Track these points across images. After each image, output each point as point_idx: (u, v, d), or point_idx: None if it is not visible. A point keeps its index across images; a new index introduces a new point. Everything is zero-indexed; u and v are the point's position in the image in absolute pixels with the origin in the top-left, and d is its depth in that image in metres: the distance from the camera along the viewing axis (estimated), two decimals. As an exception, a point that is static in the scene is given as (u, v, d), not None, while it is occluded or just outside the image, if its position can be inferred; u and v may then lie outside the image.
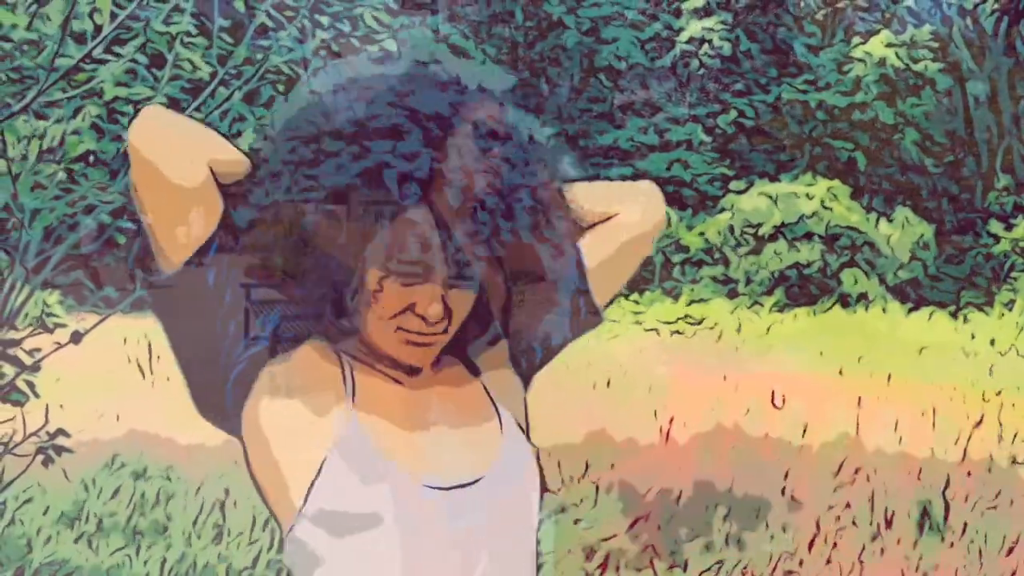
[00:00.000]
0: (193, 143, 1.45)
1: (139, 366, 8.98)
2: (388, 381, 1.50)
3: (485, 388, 1.57)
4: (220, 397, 1.48)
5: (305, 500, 1.42)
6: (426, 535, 1.42)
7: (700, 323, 14.28)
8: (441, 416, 1.51)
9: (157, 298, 1.48)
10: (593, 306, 1.61)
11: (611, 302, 1.68)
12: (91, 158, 3.63)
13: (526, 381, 1.63)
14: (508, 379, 1.60)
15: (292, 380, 1.46)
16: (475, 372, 1.58)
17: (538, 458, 1.57)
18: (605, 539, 5.73)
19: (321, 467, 1.42)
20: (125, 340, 8.74)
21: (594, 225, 1.62)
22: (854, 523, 6.08)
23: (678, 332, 13.84)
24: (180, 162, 1.42)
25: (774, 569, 5.58)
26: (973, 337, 13.61)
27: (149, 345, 9.50)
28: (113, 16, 3.26)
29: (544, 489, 1.55)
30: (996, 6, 18.58)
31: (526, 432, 1.59)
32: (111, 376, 8.18)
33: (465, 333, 1.52)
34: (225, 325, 1.46)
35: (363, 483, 1.42)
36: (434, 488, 1.44)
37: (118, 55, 3.45)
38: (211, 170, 1.43)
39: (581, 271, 1.58)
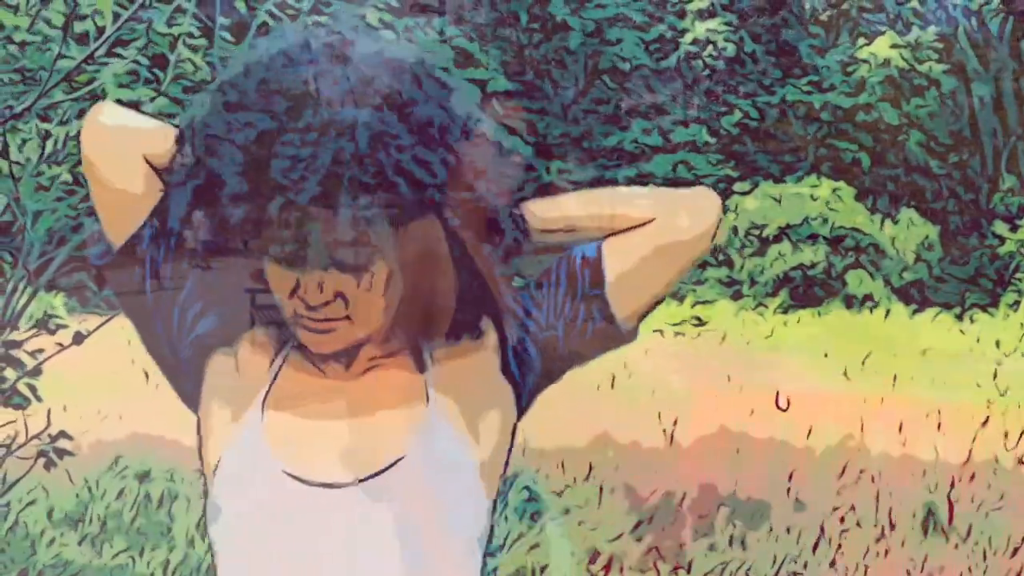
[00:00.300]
0: (128, 138, 1.48)
1: (143, 368, 8.97)
2: (315, 374, 1.47)
3: (428, 387, 1.48)
4: (182, 387, 1.55)
5: (205, 499, 1.45)
6: (303, 533, 1.39)
7: (704, 325, 14.27)
8: (347, 412, 1.46)
9: (121, 299, 1.54)
10: (608, 313, 1.53)
11: (645, 316, 1.60)
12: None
13: (528, 392, 1.53)
14: (478, 384, 1.50)
15: (222, 378, 1.50)
16: (423, 368, 1.49)
17: (499, 470, 1.48)
18: (609, 541, 5.72)
19: (216, 466, 1.45)
20: (129, 342, 8.73)
21: (625, 231, 1.53)
22: (858, 525, 6.07)
23: (682, 334, 13.83)
24: (114, 159, 1.48)
25: (778, 571, 5.57)
26: (978, 339, 13.58)
27: (153, 347, 9.50)
28: (115, 17, 3.26)
29: (493, 501, 1.47)
30: (1002, 7, 18.55)
31: (511, 446, 1.51)
32: (114, 378, 8.18)
33: (425, 326, 1.47)
34: (167, 310, 1.53)
35: (243, 483, 1.42)
36: (315, 486, 1.40)
37: (120, 56, 3.45)
38: (148, 161, 1.47)
39: (582, 268, 1.52)
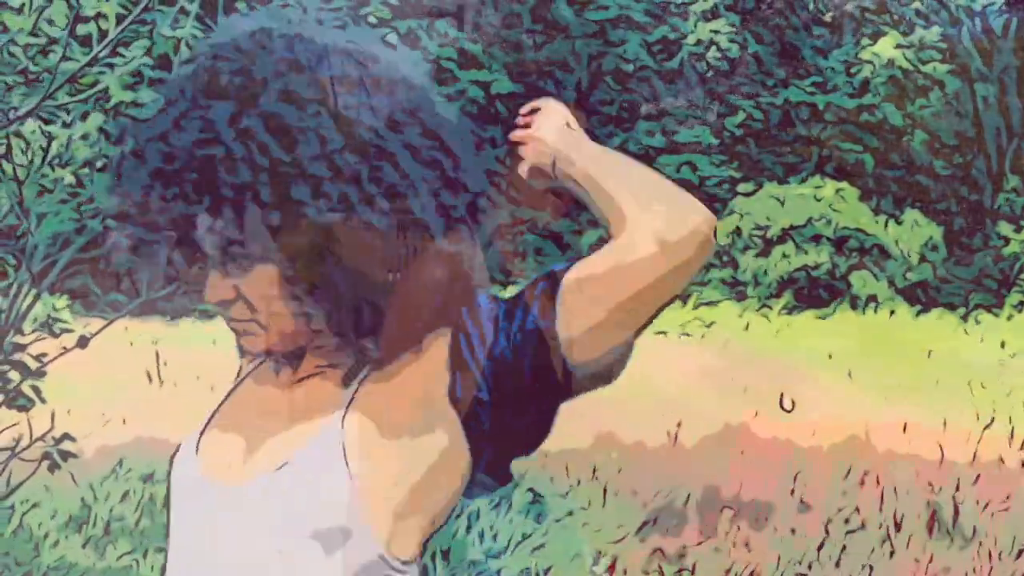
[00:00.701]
0: None
1: (146, 371, 8.98)
2: (269, 380, 1.47)
3: (345, 401, 1.40)
4: None
5: None
6: (201, 533, 1.42)
7: (709, 326, 14.26)
8: (272, 418, 1.45)
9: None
10: (559, 354, 1.39)
11: (612, 365, 1.45)
12: (98, 163, 3.63)
13: (488, 423, 1.39)
14: (401, 406, 1.38)
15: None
16: (349, 382, 1.41)
17: (362, 492, 1.35)
18: (613, 543, 5.71)
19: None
20: (132, 344, 8.75)
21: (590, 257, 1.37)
22: (863, 526, 6.06)
23: (686, 335, 13.82)
24: None
25: (783, 572, 5.56)
26: (983, 339, 13.57)
27: (156, 350, 9.51)
28: (119, 19, 3.26)
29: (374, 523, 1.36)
30: (1005, 7, 18.54)
31: (462, 474, 1.40)
32: (118, 380, 8.19)
33: (360, 338, 1.38)
34: None
35: (173, 484, 1.47)
36: (213, 487, 1.43)
37: (124, 58, 3.45)
38: None
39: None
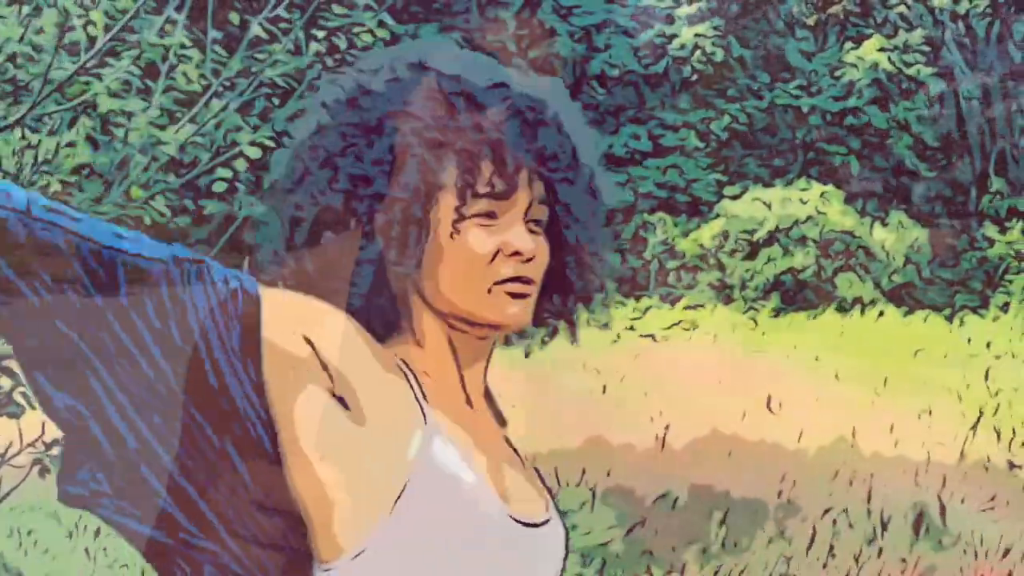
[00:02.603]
0: None
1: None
2: (448, 398, 1.35)
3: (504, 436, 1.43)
4: None
5: (378, 528, 1.26)
6: (509, 570, 1.32)
7: (696, 328, 14.29)
8: (498, 443, 1.39)
9: None
10: None
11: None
12: (85, 171, 3.64)
13: None
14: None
15: (362, 392, 1.28)
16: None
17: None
18: (602, 544, 5.73)
19: (403, 491, 1.27)
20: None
21: None
22: (851, 526, 6.09)
23: (674, 338, 13.85)
24: None
25: (771, 573, 5.58)
26: (969, 340, 13.62)
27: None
28: (107, 29, 3.27)
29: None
30: (988, 10, 18.63)
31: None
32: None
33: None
34: None
35: (452, 509, 1.28)
36: (519, 523, 1.33)
37: (112, 67, 3.46)
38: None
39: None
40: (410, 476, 1.26)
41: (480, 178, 1.31)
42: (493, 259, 1.32)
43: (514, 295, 1.32)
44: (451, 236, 1.31)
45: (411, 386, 1.31)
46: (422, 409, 1.30)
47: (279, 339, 1.24)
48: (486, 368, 1.39)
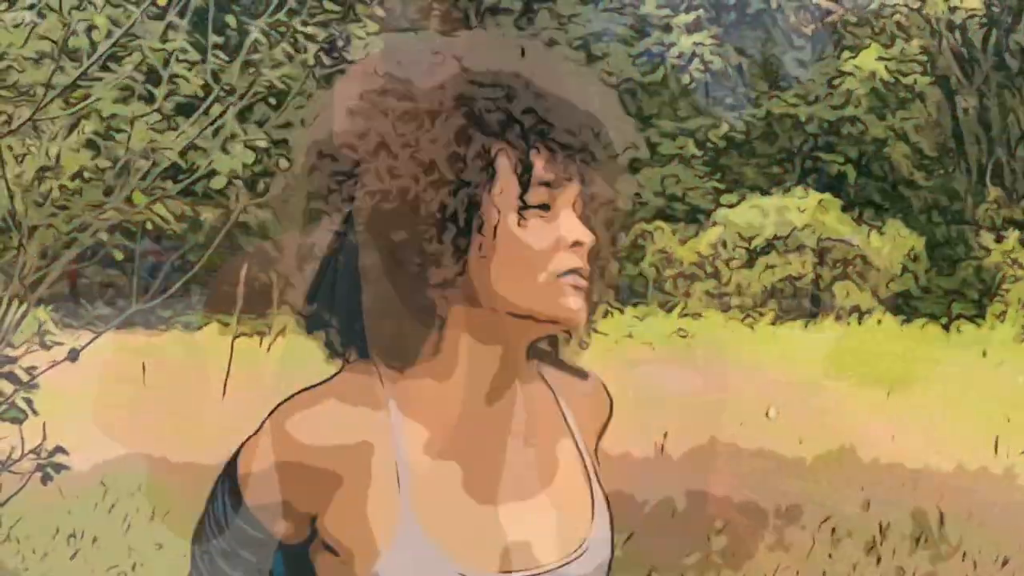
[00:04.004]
0: None
1: (132, 384, 8.96)
2: (457, 406, 1.24)
3: (562, 412, 1.32)
4: None
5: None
6: None
7: (693, 336, 14.30)
8: (523, 460, 1.27)
9: None
10: None
11: None
12: (86, 175, 3.64)
13: None
14: (586, 391, 1.36)
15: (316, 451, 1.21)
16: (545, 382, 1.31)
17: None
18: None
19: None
20: (118, 357, 8.72)
21: None
22: (849, 535, 6.09)
23: (672, 346, 13.86)
24: None
25: (770, 581, 5.58)
26: (966, 349, 13.64)
27: (143, 363, 9.49)
28: (109, 34, 3.28)
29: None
30: (984, 20, 18.67)
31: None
32: (104, 393, 8.17)
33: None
34: None
35: None
36: None
37: (114, 72, 3.47)
38: None
39: None
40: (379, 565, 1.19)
41: (540, 167, 1.21)
42: (554, 252, 1.22)
43: (575, 287, 1.22)
44: (515, 227, 1.20)
45: (394, 470, 1.21)
46: (401, 500, 1.20)
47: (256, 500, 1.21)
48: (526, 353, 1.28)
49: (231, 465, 1.24)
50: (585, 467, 1.32)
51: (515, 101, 1.21)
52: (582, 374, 1.37)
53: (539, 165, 1.21)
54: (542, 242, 1.21)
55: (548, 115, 1.22)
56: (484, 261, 1.20)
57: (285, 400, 1.23)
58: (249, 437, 1.24)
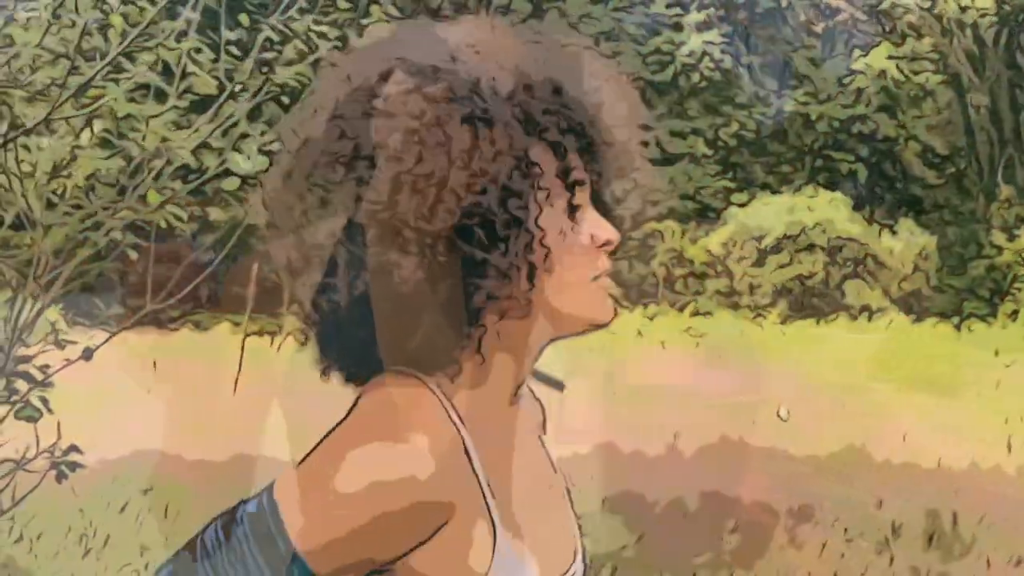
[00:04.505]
0: None
1: (144, 383, 8.98)
2: (492, 412, 1.18)
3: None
4: None
5: None
6: None
7: (704, 335, 14.28)
8: (542, 455, 1.27)
9: None
10: None
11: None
12: (100, 174, 3.64)
13: None
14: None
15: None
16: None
17: None
18: (612, 552, 5.72)
19: None
20: (131, 356, 8.74)
21: None
22: (862, 535, 6.07)
23: (682, 345, 13.84)
24: None
25: (783, 581, 5.57)
26: (978, 348, 13.60)
27: (154, 361, 9.51)
28: (124, 34, 3.28)
29: None
30: (996, 19, 18.62)
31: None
32: (117, 392, 8.19)
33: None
34: None
35: None
36: None
37: (128, 72, 3.47)
38: None
39: None
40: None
41: (579, 165, 1.15)
42: (596, 251, 1.17)
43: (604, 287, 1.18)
44: (565, 232, 1.14)
45: (479, 485, 1.14)
46: (490, 513, 1.14)
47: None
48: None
49: (274, 508, 1.10)
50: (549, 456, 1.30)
51: (554, 101, 1.15)
52: None
53: (575, 165, 1.16)
54: (582, 245, 1.16)
55: (574, 113, 1.16)
56: (545, 273, 1.13)
57: (324, 449, 1.11)
58: (266, 491, 1.12)
